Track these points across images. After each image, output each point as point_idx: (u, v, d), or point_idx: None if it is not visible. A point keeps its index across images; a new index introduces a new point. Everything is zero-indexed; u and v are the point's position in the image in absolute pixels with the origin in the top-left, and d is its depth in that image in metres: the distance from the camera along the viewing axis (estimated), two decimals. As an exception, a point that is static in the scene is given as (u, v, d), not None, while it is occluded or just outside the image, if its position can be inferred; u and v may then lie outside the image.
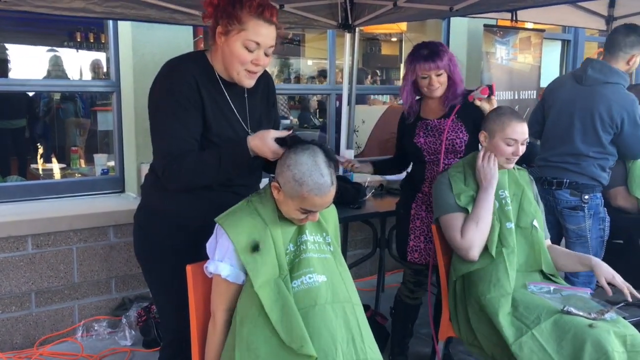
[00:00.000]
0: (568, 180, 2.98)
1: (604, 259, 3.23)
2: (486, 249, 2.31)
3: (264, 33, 1.82)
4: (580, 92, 3.00)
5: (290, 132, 1.84)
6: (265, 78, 2.06)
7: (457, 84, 2.70)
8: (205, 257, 1.80)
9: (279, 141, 1.80)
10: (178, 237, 1.96)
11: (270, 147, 1.79)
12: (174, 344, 2.09)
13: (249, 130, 1.97)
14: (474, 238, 2.30)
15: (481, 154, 2.39)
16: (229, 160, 1.86)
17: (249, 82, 1.91)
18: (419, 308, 2.98)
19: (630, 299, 2.16)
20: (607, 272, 2.26)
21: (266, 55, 1.87)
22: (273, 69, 9.68)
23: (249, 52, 1.83)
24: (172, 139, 1.85)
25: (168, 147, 1.86)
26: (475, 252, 2.30)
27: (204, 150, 1.88)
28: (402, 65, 9.46)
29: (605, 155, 3.00)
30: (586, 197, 2.98)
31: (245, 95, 1.98)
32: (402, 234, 2.87)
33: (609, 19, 4.53)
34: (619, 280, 2.21)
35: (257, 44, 1.82)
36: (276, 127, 2.17)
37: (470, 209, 2.34)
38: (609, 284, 2.21)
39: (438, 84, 2.67)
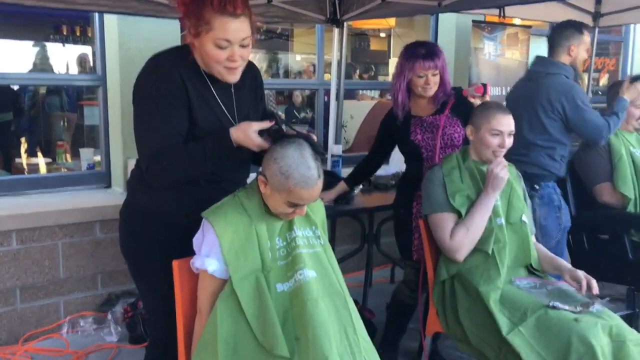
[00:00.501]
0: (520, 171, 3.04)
1: (589, 254, 3.27)
2: (478, 249, 2.32)
3: (232, 28, 1.75)
4: (527, 86, 3.22)
5: (273, 123, 1.81)
6: (252, 71, 2.03)
7: (447, 83, 2.74)
8: (192, 253, 1.79)
9: (262, 133, 1.78)
10: (164, 233, 1.94)
11: (253, 141, 1.78)
12: (161, 341, 2.08)
13: (236, 123, 1.93)
14: (463, 242, 2.30)
15: (498, 159, 2.35)
16: (214, 153, 1.83)
17: (232, 78, 1.87)
18: (416, 307, 2.95)
19: (580, 307, 2.15)
20: (569, 270, 2.27)
21: (243, 47, 1.80)
22: (261, 64, 9.66)
23: (222, 49, 1.77)
24: (157, 136, 1.81)
25: (152, 144, 1.82)
26: (462, 256, 2.32)
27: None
28: (390, 61, 9.50)
29: (553, 143, 3.09)
30: (536, 186, 3.06)
31: (232, 89, 1.95)
32: (405, 233, 2.82)
33: (596, 15, 4.56)
34: (580, 273, 2.21)
35: (228, 40, 1.76)
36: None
37: (463, 211, 2.34)
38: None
39: (433, 83, 2.68)
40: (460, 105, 2.73)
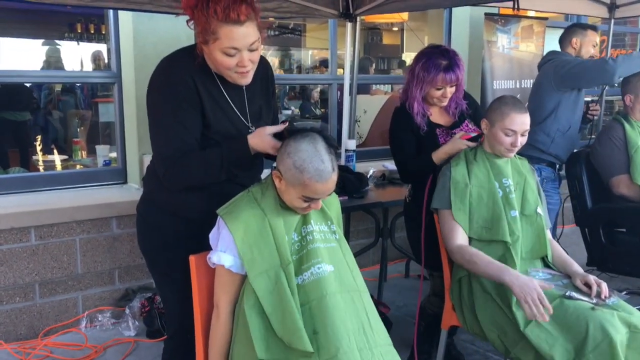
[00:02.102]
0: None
1: (606, 247, 3.25)
2: (494, 240, 2.31)
3: (238, 36, 1.73)
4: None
5: (287, 124, 1.83)
6: (263, 66, 2.01)
7: (460, 91, 2.65)
8: (208, 248, 1.81)
9: (277, 135, 1.80)
10: (181, 229, 1.96)
11: (269, 144, 1.80)
12: (178, 335, 2.10)
13: (249, 124, 1.96)
14: (459, 260, 2.30)
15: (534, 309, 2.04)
16: (231, 160, 1.85)
17: (244, 81, 1.86)
18: None
19: (596, 298, 2.13)
20: (581, 275, 2.26)
21: (251, 51, 1.79)
22: (274, 60, 9.65)
23: (231, 57, 1.76)
24: (172, 141, 1.82)
25: (168, 149, 1.83)
26: (456, 261, 2.33)
27: (205, 149, 1.86)
28: (403, 55, 9.45)
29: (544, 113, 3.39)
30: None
31: (243, 87, 1.95)
32: (434, 243, 2.55)
33: (612, 7, 4.51)
34: (591, 278, 2.21)
35: (235, 48, 1.75)
36: (275, 116, 2.16)
37: (459, 219, 2.31)
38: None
39: (449, 94, 2.60)
40: (475, 114, 2.69)
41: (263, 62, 2.01)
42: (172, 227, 1.97)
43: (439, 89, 2.56)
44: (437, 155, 2.56)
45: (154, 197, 2.01)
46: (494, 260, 2.23)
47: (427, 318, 2.86)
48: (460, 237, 2.33)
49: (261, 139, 1.81)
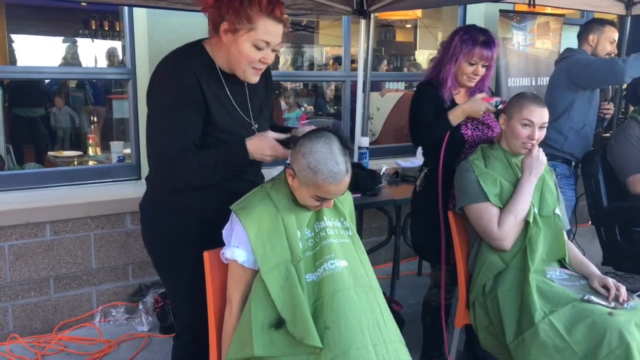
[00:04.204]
0: None
1: (622, 246, 3.22)
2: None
3: (274, 32, 1.76)
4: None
5: (289, 134, 1.82)
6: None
7: (488, 77, 2.64)
8: (217, 245, 1.81)
9: (281, 143, 1.79)
10: (189, 227, 1.93)
11: (269, 144, 1.78)
12: (187, 332, 2.10)
13: (252, 121, 1.93)
14: (511, 230, 2.27)
15: (536, 147, 2.33)
16: (227, 164, 1.82)
17: (254, 79, 1.86)
18: (450, 306, 2.83)
19: (614, 302, 2.11)
20: (599, 277, 2.24)
21: (274, 51, 1.82)
22: (287, 57, 9.66)
23: (258, 50, 1.77)
24: (168, 141, 1.78)
25: (163, 149, 1.79)
26: (509, 243, 2.29)
27: (202, 150, 1.82)
28: (417, 52, 9.41)
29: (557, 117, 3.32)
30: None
31: (245, 85, 1.93)
32: (437, 236, 2.58)
33: (629, 3, 4.45)
34: (610, 281, 2.19)
35: (267, 43, 1.77)
36: (272, 113, 2.15)
37: (495, 200, 2.31)
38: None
39: (479, 75, 2.58)
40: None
41: None
42: (180, 226, 1.93)
43: (472, 64, 2.54)
44: (454, 114, 2.55)
45: (160, 197, 1.95)
46: (514, 194, 2.31)
47: (432, 312, 2.81)
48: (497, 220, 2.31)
49: (260, 139, 1.80)
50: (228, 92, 1.88)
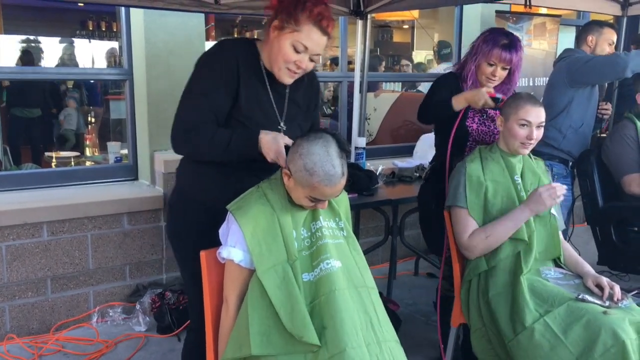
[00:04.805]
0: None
1: (617, 246, 3.23)
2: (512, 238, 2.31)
3: (315, 40, 1.87)
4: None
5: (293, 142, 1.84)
6: (310, 76, 2.10)
7: (512, 81, 2.66)
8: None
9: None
10: (205, 220, 1.97)
11: (276, 147, 1.80)
12: (200, 327, 2.11)
13: (281, 121, 2.02)
14: (478, 246, 2.31)
15: (552, 184, 2.27)
16: (237, 146, 1.88)
17: (287, 80, 1.95)
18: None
19: (609, 301, 2.12)
20: (593, 276, 2.25)
21: (311, 60, 1.92)
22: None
23: (296, 52, 1.87)
24: (192, 109, 1.91)
25: (185, 115, 1.92)
26: (473, 256, 2.33)
27: (228, 127, 1.93)
28: (414, 53, 9.42)
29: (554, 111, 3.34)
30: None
31: (287, 90, 2.03)
32: (441, 230, 2.58)
33: (625, 4, 4.46)
34: (604, 280, 2.20)
35: (306, 47, 1.87)
36: (314, 128, 2.17)
37: (473, 213, 2.32)
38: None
39: (499, 77, 2.61)
40: None
41: (312, 75, 2.12)
42: (196, 217, 2.02)
43: (490, 65, 2.59)
44: (457, 100, 2.61)
45: (182, 186, 2.10)
46: (502, 217, 2.29)
47: (445, 301, 2.76)
48: (470, 231, 2.33)
49: (274, 138, 1.83)
50: (268, 88, 1.98)
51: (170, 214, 2.17)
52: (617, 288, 2.15)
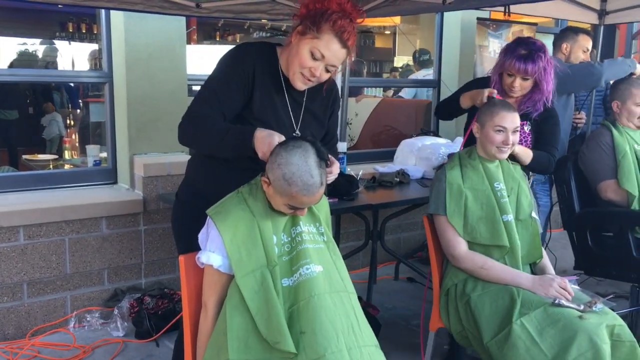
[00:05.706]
0: None
1: (593, 251, 3.27)
2: (494, 245, 2.34)
3: (333, 50, 1.90)
4: None
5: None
6: (330, 85, 2.11)
7: (541, 91, 2.64)
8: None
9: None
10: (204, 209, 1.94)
11: (270, 144, 1.78)
12: None
13: (296, 127, 2.05)
14: (468, 267, 2.34)
15: (567, 287, 2.23)
16: (233, 139, 1.89)
17: (300, 85, 1.98)
18: None
19: (583, 305, 2.17)
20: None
21: (327, 71, 1.94)
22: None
23: (313, 59, 1.90)
24: (201, 102, 1.97)
25: (193, 105, 1.98)
26: (461, 267, 2.36)
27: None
28: (395, 59, 9.48)
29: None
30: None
31: (304, 98, 2.06)
32: None
33: (602, 13, 4.54)
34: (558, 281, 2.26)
35: (323, 56, 1.90)
36: (328, 139, 2.20)
37: (454, 223, 2.34)
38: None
39: (520, 88, 2.62)
40: (542, 122, 2.69)
41: (333, 84, 2.14)
42: (204, 208, 1.95)
43: (510, 75, 2.62)
44: (464, 98, 2.70)
45: (189, 177, 2.17)
46: (505, 266, 2.31)
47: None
48: (462, 243, 2.36)
49: (270, 135, 1.81)
50: (285, 94, 2.03)
51: (175, 204, 2.22)
52: (568, 286, 2.23)
